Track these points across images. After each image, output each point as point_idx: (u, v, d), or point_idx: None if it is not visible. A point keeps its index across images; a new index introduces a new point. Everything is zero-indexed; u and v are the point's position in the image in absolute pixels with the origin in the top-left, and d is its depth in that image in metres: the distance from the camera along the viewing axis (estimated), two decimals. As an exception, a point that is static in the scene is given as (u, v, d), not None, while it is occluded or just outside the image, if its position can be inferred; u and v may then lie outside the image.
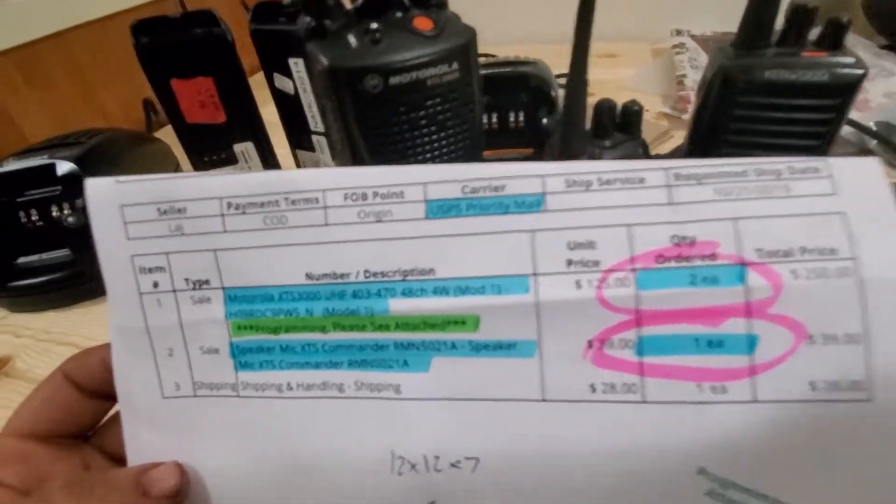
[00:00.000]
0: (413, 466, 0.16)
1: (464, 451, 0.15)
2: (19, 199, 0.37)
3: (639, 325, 0.14)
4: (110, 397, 0.18)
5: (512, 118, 0.44)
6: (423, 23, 0.24)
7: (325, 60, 0.24)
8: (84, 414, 0.19)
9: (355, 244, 0.16)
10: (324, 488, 0.16)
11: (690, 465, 0.14)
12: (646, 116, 0.56)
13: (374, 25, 0.23)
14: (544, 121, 0.44)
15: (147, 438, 0.17)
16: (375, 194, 0.15)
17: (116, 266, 0.17)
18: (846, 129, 0.45)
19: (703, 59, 0.64)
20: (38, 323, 0.38)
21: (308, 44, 0.25)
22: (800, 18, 0.27)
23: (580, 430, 0.15)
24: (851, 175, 0.13)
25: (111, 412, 0.19)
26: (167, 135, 0.51)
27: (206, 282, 0.16)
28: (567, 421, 0.15)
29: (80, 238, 0.37)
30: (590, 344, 0.14)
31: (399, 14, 0.25)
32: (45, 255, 0.39)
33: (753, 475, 0.14)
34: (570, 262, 0.14)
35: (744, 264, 0.13)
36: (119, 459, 0.18)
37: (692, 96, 0.56)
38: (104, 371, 0.18)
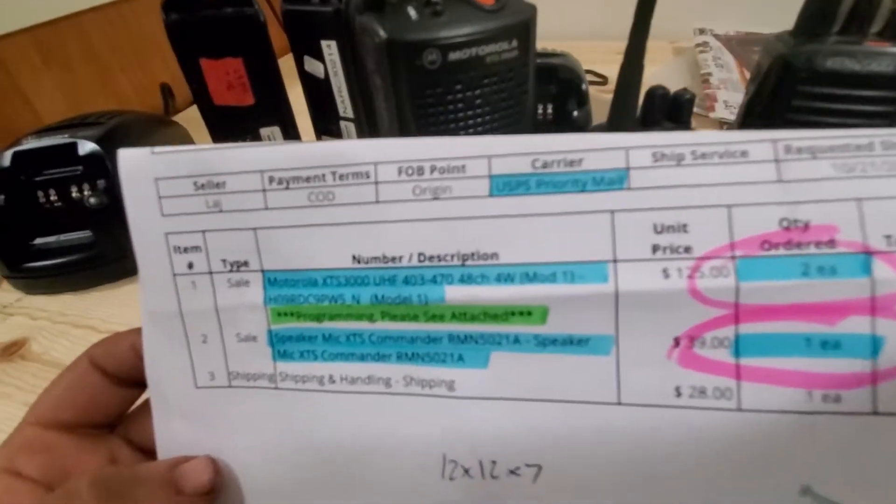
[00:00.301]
0: (466, 472, 0.14)
1: (525, 458, 0.14)
2: (38, 179, 0.36)
3: (738, 322, 0.12)
4: (139, 385, 0.18)
5: (540, 110, 0.43)
6: (484, -4, 0.23)
7: (383, 33, 0.23)
8: (111, 402, 0.18)
9: (409, 224, 0.14)
10: (365, 492, 0.15)
11: (793, 484, 0.12)
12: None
13: (435, -3, 0.23)
14: (574, 113, 0.43)
15: (178, 430, 0.16)
16: (433, 168, 0.14)
17: (149, 244, 0.15)
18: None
19: (728, 57, 0.63)
20: (55, 305, 0.37)
21: (362, 16, 0.24)
22: (865, 5, 0.26)
23: (661, 439, 0.13)
24: None
25: (139, 401, 0.18)
26: (184, 120, 0.51)
27: (245, 263, 0.15)
28: (646, 428, 0.13)
29: (101, 219, 0.36)
30: (677, 341, 0.13)
31: (459, -14, 0.24)
32: (63, 237, 0.38)
33: (867, 499, 0.12)
34: (656, 248, 0.13)
35: (869, 253, 0.12)
36: (147, 451, 0.18)
37: (718, 94, 0.56)
38: (134, 357, 0.17)
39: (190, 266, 0.15)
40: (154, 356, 0.16)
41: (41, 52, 0.53)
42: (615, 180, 0.13)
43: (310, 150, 0.15)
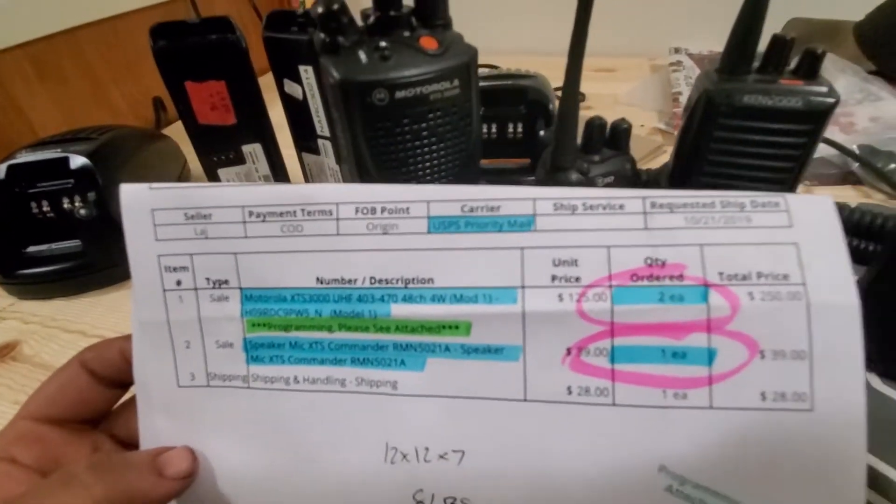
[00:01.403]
0: (405, 456, 0.17)
1: (451, 445, 0.17)
2: (31, 190, 0.38)
3: (613, 336, 0.16)
4: (124, 386, 0.20)
5: (511, 129, 0.46)
6: (428, 42, 0.26)
7: (336, 74, 0.25)
8: (97, 401, 0.20)
9: (363, 253, 0.17)
10: (323, 475, 0.18)
11: (653, 462, 0.15)
12: (640, 132, 0.58)
13: (383, 43, 0.25)
14: (541, 132, 0.45)
15: (161, 425, 0.19)
16: (383, 209, 0.17)
17: (144, 264, 0.18)
18: (830, 152, 0.47)
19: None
20: (46, 310, 0.39)
21: (321, 58, 0.27)
22: (779, 48, 0.28)
23: (557, 428, 0.16)
24: (806, 210, 0.15)
25: (122, 400, 0.21)
26: (175, 132, 0.53)
27: (226, 282, 0.18)
28: (545, 419, 0.16)
29: (91, 229, 0.39)
30: (568, 351, 0.16)
31: (407, 33, 0.27)
32: (54, 245, 0.40)
33: (708, 474, 0.15)
34: (554, 278, 0.16)
35: (707, 285, 0.15)
36: (127, 445, 0.20)
37: (685, 114, 0.58)
38: (121, 361, 0.19)
39: (178, 283, 0.18)
40: (142, 359, 0.18)
41: (36, 67, 0.54)
42: (525, 223, 0.16)
43: (283, 191, 0.17)
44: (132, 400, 0.19)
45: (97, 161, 0.39)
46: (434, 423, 0.17)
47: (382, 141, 0.27)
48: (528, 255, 0.16)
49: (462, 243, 0.17)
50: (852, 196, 0.45)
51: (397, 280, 0.17)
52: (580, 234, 0.16)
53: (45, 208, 0.39)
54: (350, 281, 0.17)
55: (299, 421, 0.18)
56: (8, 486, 0.17)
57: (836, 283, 0.14)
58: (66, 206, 0.39)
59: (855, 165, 0.46)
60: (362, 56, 0.25)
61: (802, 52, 0.28)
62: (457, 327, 0.17)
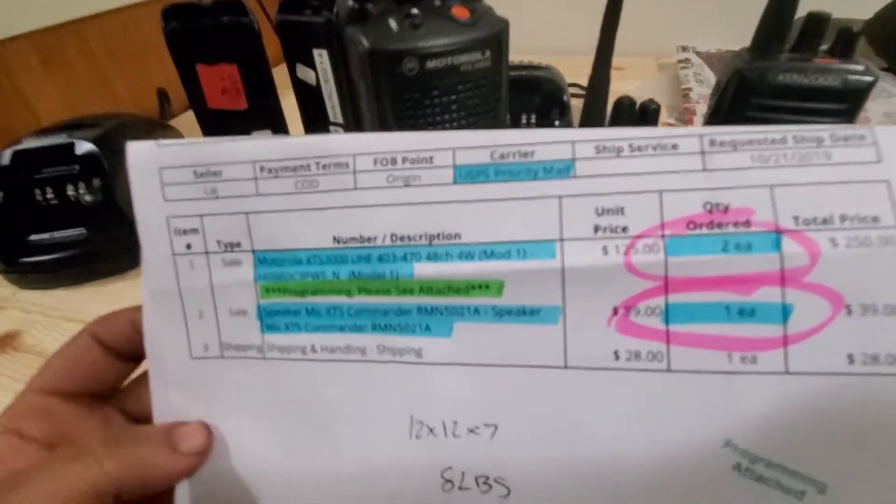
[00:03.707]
0: (431, 431, 0.16)
1: (483, 418, 0.15)
2: (36, 177, 0.37)
3: (667, 293, 0.14)
4: (135, 359, 0.19)
5: (524, 120, 0.45)
6: (460, 11, 0.25)
7: (366, 42, 0.24)
8: (108, 374, 0.19)
9: (383, 208, 0.16)
10: (342, 452, 0.16)
11: (717, 437, 0.14)
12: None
13: (415, 11, 0.24)
14: (556, 123, 0.45)
15: (174, 398, 0.17)
16: (405, 159, 0.15)
17: (152, 227, 0.17)
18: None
19: (708, 74, 0.66)
20: (48, 300, 0.38)
21: (348, 27, 0.26)
22: (814, 26, 0.28)
23: (602, 398, 0.14)
24: None
25: (134, 374, 0.20)
26: (179, 124, 0.52)
27: (238, 244, 0.17)
28: (589, 389, 0.14)
29: (95, 217, 0.38)
30: (615, 311, 0.14)
31: (438, 2, 0.26)
32: (57, 233, 0.39)
33: (784, 450, 0.13)
34: (597, 228, 0.14)
35: (779, 231, 0.13)
36: (139, 420, 0.19)
37: (697, 108, 0.58)
38: (132, 332, 0.18)
39: (188, 247, 0.17)
40: (153, 330, 0.17)
41: (41, 56, 0.54)
42: (563, 169, 0.15)
43: (297, 143, 0.16)
44: (145, 374, 0.18)
45: (103, 147, 0.38)
46: (463, 394, 0.15)
47: (410, 113, 0.26)
48: (568, 203, 0.15)
49: (492, 194, 0.15)
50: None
51: (421, 236, 0.15)
52: (627, 178, 0.14)
53: (49, 195, 0.38)
54: (370, 239, 0.16)
55: (317, 393, 0.17)
56: (15, 459, 0.16)
57: None
58: (70, 192, 0.38)
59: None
60: (392, 24, 0.24)
61: (838, 31, 0.28)
62: (487, 287, 0.15)
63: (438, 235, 0.15)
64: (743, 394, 0.13)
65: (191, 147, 0.17)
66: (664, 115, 0.60)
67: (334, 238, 0.16)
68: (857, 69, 0.28)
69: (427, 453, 0.16)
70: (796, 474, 0.13)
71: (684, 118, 0.59)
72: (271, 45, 0.40)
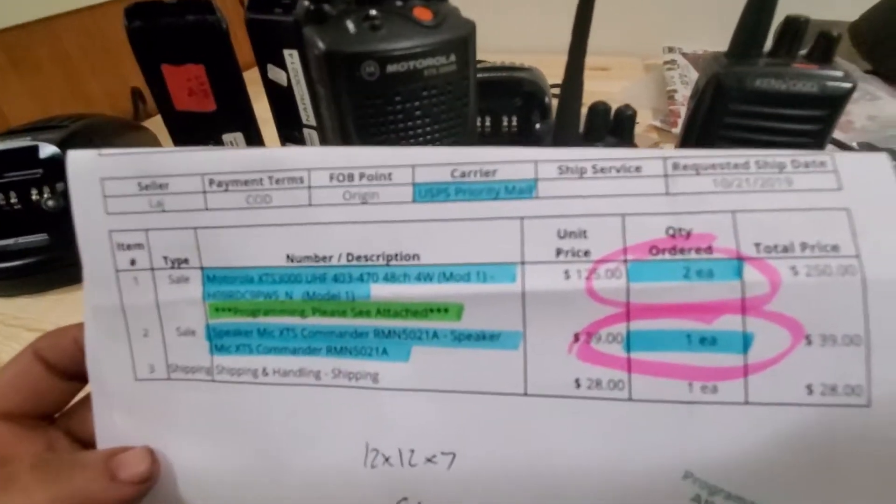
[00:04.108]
0: (387, 460, 0.15)
1: (440, 446, 0.15)
2: (-1, 181, 0.36)
3: (628, 319, 0.13)
4: (81, 378, 0.18)
5: (505, 122, 0.44)
6: (423, 13, 0.24)
7: (322, 45, 0.24)
8: (52, 394, 0.18)
9: (339, 226, 0.15)
10: (295, 480, 0.16)
11: (676, 468, 0.13)
12: (636, 129, 0.57)
13: (374, 12, 0.23)
14: (537, 126, 0.44)
15: (118, 422, 0.17)
16: (362, 175, 0.15)
17: (94, 241, 0.16)
18: (829, 149, 0.46)
19: (694, 75, 0.65)
20: (8, 308, 0.37)
21: (305, 28, 0.25)
22: (792, 30, 0.27)
23: (563, 427, 0.14)
24: (858, 170, 0.13)
25: (80, 395, 0.19)
26: (154, 125, 0.50)
27: (185, 261, 0.16)
28: (550, 417, 0.14)
29: (59, 222, 0.36)
30: (576, 337, 0.14)
31: (399, 2, 0.25)
32: (20, 239, 0.38)
33: (743, 482, 0.13)
34: (559, 252, 0.14)
35: (741, 259, 0.13)
36: (85, 443, 0.18)
37: (682, 111, 0.57)
38: (76, 351, 0.17)
39: (132, 262, 0.16)
40: (96, 349, 0.16)
41: (10, 56, 0.52)
42: (525, 189, 0.14)
43: (248, 155, 0.15)
44: (90, 395, 0.17)
45: (68, 150, 0.37)
46: (420, 422, 0.15)
47: (372, 121, 0.25)
48: (529, 225, 0.14)
49: (452, 213, 0.14)
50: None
51: (378, 256, 0.15)
52: (590, 200, 0.14)
53: (12, 200, 0.36)
54: (325, 258, 0.15)
55: (269, 419, 0.16)
56: None
57: None
58: (34, 197, 0.36)
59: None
60: (350, 26, 0.23)
61: (817, 36, 0.27)
62: (446, 310, 0.15)
63: (396, 256, 0.15)
64: (703, 424, 0.13)
65: (134, 157, 0.16)
66: (649, 118, 0.60)
67: (288, 256, 0.15)
68: (836, 75, 0.27)
69: (382, 482, 0.15)
70: None
71: (669, 120, 0.58)
72: (246, 46, 0.39)
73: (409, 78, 0.24)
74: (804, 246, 0.13)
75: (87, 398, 0.18)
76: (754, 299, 0.13)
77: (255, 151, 0.15)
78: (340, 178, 0.15)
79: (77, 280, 0.38)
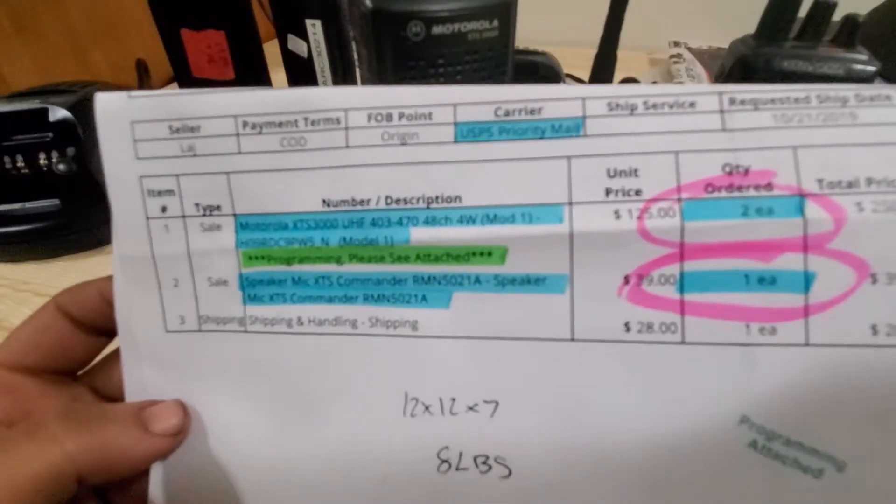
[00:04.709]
0: (427, 408, 0.15)
1: (483, 394, 0.14)
2: (6, 144, 0.35)
3: (682, 260, 0.13)
4: (105, 334, 0.18)
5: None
6: (468, -23, 0.24)
7: (369, 3, 0.23)
8: (77, 349, 0.17)
9: (377, 168, 0.14)
10: (331, 432, 0.15)
11: (733, 413, 0.13)
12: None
13: (420, -28, 0.23)
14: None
15: (147, 375, 0.16)
16: (401, 115, 0.14)
17: (123, 188, 0.15)
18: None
19: (699, 70, 0.66)
20: (17, 273, 0.36)
21: (352, -15, 0.25)
22: (819, 13, 0.28)
23: (612, 373, 0.14)
24: None
25: (106, 351, 0.18)
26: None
27: (218, 207, 0.15)
28: (598, 362, 0.14)
29: (70, 187, 0.36)
30: (627, 279, 0.13)
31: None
32: (28, 204, 0.37)
33: (803, 427, 0.13)
34: (609, 191, 0.13)
35: (803, 195, 0.12)
36: (111, 400, 0.18)
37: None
38: (102, 304, 0.17)
39: (163, 210, 0.15)
40: (124, 300, 0.16)
41: (14, 20, 0.51)
42: (572, 128, 0.14)
43: (283, 96, 0.15)
44: (117, 351, 0.17)
45: (79, 114, 0.37)
46: (462, 370, 0.14)
47: (413, 83, 0.25)
48: (577, 164, 0.14)
49: (496, 153, 0.14)
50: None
51: (418, 199, 0.14)
52: (641, 138, 0.13)
53: (19, 164, 0.36)
54: (362, 202, 0.15)
55: (304, 370, 0.15)
56: None
57: None
58: (42, 161, 0.36)
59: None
60: (398, -16, 0.23)
61: (842, 19, 0.28)
62: (490, 254, 0.14)
63: (437, 198, 0.14)
64: (761, 367, 0.13)
65: (166, 99, 0.15)
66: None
67: (324, 201, 0.15)
68: (861, 58, 0.28)
69: (422, 432, 0.15)
70: (815, 452, 0.13)
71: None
72: (263, 20, 0.38)
73: (454, 40, 0.24)
74: (870, 181, 0.12)
75: (113, 354, 0.18)
76: (817, 237, 0.12)
77: (290, 92, 0.15)
78: (378, 118, 0.14)
79: (87, 247, 0.38)
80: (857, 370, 0.12)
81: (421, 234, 0.14)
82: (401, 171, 0.14)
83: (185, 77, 0.38)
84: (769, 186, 0.13)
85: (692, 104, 0.13)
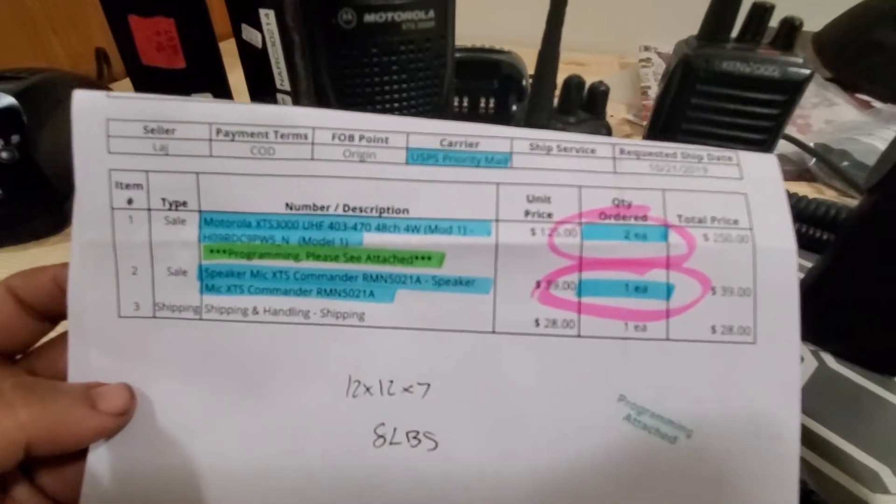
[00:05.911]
0: (368, 389, 0.17)
1: (417, 377, 0.17)
2: (-53, 130, 0.34)
3: (581, 270, 0.16)
4: (52, 319, 0.18)
5: (483, 103, 0.44)
6: (402, -33, 0.24)
7: (298, -12, 0.23)
8: (21, 332, 0.18)
9: (337, 180, 0.16)
10: (276, 407, 0.17)
11: (613, 392, 0.16)
12: (610, 122, 0.58)
13: (353, -39, 0.23)
14: (514, 108, 0.44)
15: (94, 359, 0.17)
16: (362, 137, 0.17)
17: (91, 178, 0.16)
18: (788, 149, 0.48)
19: (667, 73, 0.67)
20: (-50, 262, 0.35)
21: (281, -28, 0.24)
22: (759, 15, 0.28)
23: (523, 359, 0.16)
24: (755, 166, 0.17)
25: (48, 336, 0.18)
26: (120, 88, 0.49)
27: (184, 203, 0.17)
28: (512, 351, 0.16)
29: (13, 177, 0.35)
30: (538, 284, 0.16)
31: (379, -46, 0.25)
32: (-35, 191, 0.36)
33: (663, 403, 0.16)
34: (527, 213, 0.16)
35: (667, 226, 0.16)
36: None
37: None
38: (54, 289, 0.17)
39: (129, 202, 0.16)
40: (79, 285, 0.17)
41: (-34, 10, 0.50)
42: (501, 161, 0.17)
43: (258, 110, 0.17)
44: (60, 337, 0.18)
45: (25, 101, 0.36)
46: (401, 356, 0.17)
47: (347, 72, 0.25)
48: (504, 190, 0.16)
49: (439, 176, 0.17)
50: (807, 192, 0.47)
51: (372, 209, 0.17)
52: (554, 173, 0.16)
53: (-40, 150, 0.35)
54: (322, 208, 0.17)
55: (256, 355, 0.17)
56: None
57: (778, 229, 0.16)
58: (-16, 148, 0.35)
59: (811, 163, 0.48)
60: (328, -28, 0.23)
61: (780, 22, 0.28)
62: (429, 258, 0.17)
63: (388, 209, 0.17)
64: (635, 356, 0.16)
65: (144, 102, 0.16)
66: (622, 112, 0.61)
67: (286, 204, 0.17)
68: (796, 61, 0.28)
69: (362, 410, 0.17)
70: (670, 423, 0.16)
71: (641, 115, 0.60)
72: (222, 12, 0.37)
73: (387, 30, 0.24)
74: (713, 219, 0.16)
75: (55, 340, 0.18)
76: (676, 258, 0.16)
77: (264, 107, 0.17)
78: (342, 137, 0.17)
79: (30, 238, 0.37)
80: (701, 359, 0.16)
81: (372, 239, 0.17)
82: (358, 184, 0.17)
83: (134, 65, 0.37)
84: (644, 217, 0.16)
85: (593, 150, 0.17)
